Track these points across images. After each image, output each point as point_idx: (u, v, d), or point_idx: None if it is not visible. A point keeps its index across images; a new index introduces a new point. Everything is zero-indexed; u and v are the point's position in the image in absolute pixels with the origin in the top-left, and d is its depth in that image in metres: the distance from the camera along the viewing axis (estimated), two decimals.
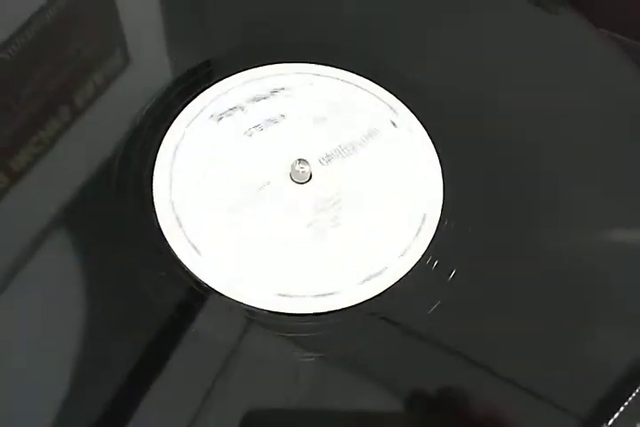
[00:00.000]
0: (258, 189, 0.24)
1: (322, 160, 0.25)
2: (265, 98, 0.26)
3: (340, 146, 0.25)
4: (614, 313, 0.23)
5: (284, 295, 0.22)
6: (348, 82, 0.27)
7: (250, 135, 0.25)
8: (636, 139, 0.26)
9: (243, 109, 0.26)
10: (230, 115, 0.26)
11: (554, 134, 0.26)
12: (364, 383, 0.22)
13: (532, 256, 0.24)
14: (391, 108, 0.26)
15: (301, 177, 0.24)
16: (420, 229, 0.24)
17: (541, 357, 0.22)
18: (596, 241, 0.24)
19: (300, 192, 0.24)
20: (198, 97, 0.26)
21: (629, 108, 0.27)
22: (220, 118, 0.26)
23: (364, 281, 0.22)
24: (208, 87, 0.26)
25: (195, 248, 0.23)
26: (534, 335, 0.22)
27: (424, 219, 0.24)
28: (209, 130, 0.25)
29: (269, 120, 0.26)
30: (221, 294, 0.22)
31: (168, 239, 0.23)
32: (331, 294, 0.22)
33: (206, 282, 0.22)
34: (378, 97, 0.26)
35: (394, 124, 0.26)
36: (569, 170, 0.25)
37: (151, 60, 0.28)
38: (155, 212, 0.23)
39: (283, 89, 0.26)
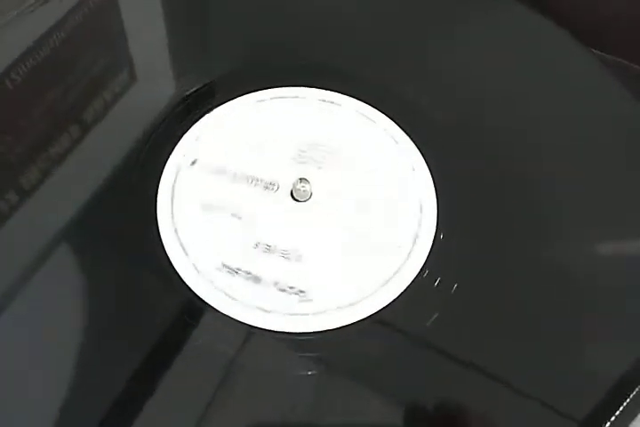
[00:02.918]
0: (262, 205, 0.25)
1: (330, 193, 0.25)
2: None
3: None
4: (612, 319, 0.23)
5: (286, 313, 0.22)
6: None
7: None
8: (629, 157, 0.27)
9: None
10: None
11: (552, 149, 0.26)
12: (365, 396, 0.22)
13: (528, 266, 0.24)
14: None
15: (302, 195, 0.24)
16: (414, 245, 0.24)
17: (541, 363, 0.22)
18: (595, 250, 0.25)
19: (298, 210, 0.24)
20: (209, 114, 0.27)
21: (629, 136, 0.27)
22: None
23: (361, 299, 0.23)
24: (217, 105, 0.27)
25: (195, 266, 0.23)
26: (533, 342, 0.22)
27: (417, 237, 0.24)
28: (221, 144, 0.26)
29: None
30: (217, 310, 0.22)
31: (170, 255, 0.23)
32: (330, 310, 0.22)
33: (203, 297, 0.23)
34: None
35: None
36: (564, 183, 0.26)
37: (157, 78, 0.28)
38: (158, 229, 0.24)
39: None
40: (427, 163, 0.26)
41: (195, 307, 0.22)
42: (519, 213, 0.25)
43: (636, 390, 0.21)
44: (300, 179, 0.24)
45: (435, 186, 0.25)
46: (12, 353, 0.21)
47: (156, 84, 0.28)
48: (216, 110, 0.27)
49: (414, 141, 0.26)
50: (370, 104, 0.27)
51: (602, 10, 0.30)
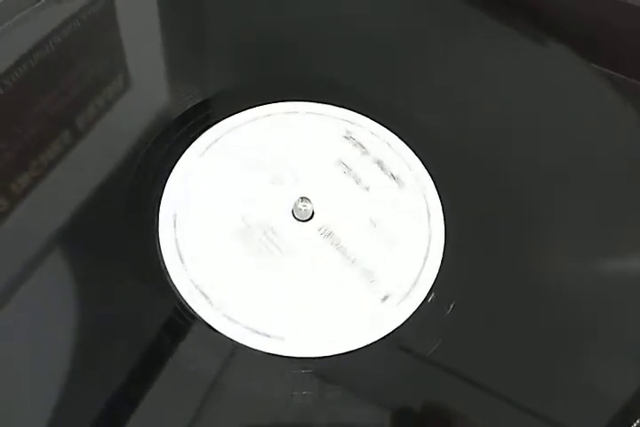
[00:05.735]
0: (261, 228, 0.24)
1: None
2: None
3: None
4: (617, 340, 0.23)
5: (278, 338, 0.22)
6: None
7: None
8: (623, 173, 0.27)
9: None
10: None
11: (551, 166, 0.27)
12: (353, 413, 0.21)
13: (533, 286, 0.24)
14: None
15: (303, 215, 0.24)
16: (421, 270, 0.24)
17: (547, 384, 0.22)
18: (598, 270, 0.25)
19: (299, 230, 0.24)
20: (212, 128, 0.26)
21: (629, 151, 0.27)
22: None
23: (361, 326, 0.22)
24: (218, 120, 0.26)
25: (192, 282, 0.23)
26: (538, 363, 0.22)
27: (426, 258, 0.24)
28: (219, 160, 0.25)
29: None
30: (211, 328, 0.22)
31: (168, 267, 0.23)
32: (329, 340, 0.22)
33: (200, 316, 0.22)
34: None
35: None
36: (565, 200, 0.26)
37: (151, 85, 0.28)
38: (158, 238, 0.23)
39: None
40: (437, 190, 0.25)
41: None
42: (523, 238, 0.25)
43: None
44: (302, 198, 0.23)
45: (443, 211, 0.25)
46: None
47: (151, 91, 0.28)
48: (216, 124, 0.26)
49: (427, 168, 0.26)
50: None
51: (603, 24, 0.30)
